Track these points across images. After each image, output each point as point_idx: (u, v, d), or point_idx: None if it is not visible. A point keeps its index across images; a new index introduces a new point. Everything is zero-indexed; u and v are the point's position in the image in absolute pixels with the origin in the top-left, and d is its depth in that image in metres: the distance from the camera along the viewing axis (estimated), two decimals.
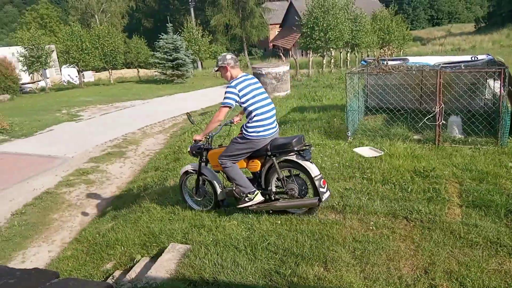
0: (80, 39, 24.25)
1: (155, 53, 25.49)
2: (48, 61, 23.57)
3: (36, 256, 5.31)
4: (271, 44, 49.47)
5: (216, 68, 4.26)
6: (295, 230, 4.14)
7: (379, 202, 4.51)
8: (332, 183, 5.29)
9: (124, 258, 4.53)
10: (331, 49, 21.31)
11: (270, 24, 48.14)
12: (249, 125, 4.07)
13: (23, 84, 23.66)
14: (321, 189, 4.01)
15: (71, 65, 25.32)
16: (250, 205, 4.28)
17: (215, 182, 4.65)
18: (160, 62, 24.48)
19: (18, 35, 24.02)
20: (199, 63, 36.79)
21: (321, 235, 3.93)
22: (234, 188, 4.42)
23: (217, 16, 42.63)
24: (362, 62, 8.81)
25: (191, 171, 4.90)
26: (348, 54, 25.00)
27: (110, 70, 27.00)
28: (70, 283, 3.05)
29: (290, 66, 14.45)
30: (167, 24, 25.98)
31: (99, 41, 25.23)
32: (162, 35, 25.12)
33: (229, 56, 4.15)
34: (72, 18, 45.03)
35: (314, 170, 4.04)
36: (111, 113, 14.80)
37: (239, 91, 3.99)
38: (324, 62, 21.79)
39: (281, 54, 22.62)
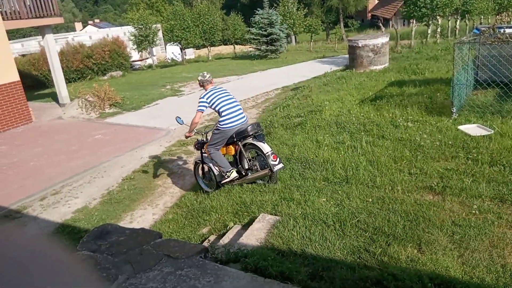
0: (183, 17, 25.58)
1: (250, 29, 25.85)
2: (155, 39, 25.39)
3: (142, 217, 5.90)
4: (369, 15, 46.75)
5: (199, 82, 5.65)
6: (387, 209, 3.98)
7: (485, 185, 4.10)
8: (431, 162, 4.92)
9: (218, 224, 4.82)
10: (438, 17, 19.36)
11: None
12: (220, 120, 5.37)
13: (133, 61, 25.91)
14: (272, 162, 5.08)
15: (175, 43, 26.93)
16: (229, 181, 5.49)
17: (212, 167, 5.69)
18: (255, 37, 24.78)
19: (129, 15, 26.19)
20: (293, 37, 36.40)
21: (416, 216, 3.71)
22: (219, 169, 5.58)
23: None
24: (475, 30, 7.88)
25: (198, 161, 6.09)
26: (457, 22, 22.48)
27: (208, 47, 28.19)
28: (171, 243, 3.36)
29: (389, 37, 13.54)
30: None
31: (200, 19, 26.35)
32: (258, 11, 25.30)
33: (206, 75, 5.58)
34: None
35: (265, 148, 5.17)
36: None
37: (207, 99, 5.43)
38: (429, 31, 19.94)
39: (380, 24, 21.22)
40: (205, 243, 4.28)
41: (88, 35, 29.61)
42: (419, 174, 4.81)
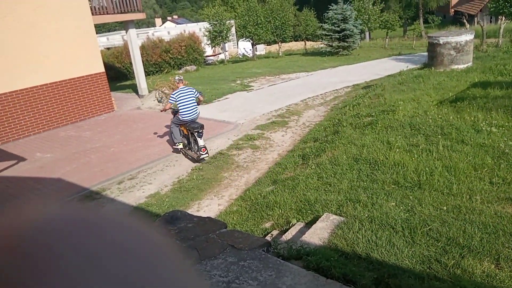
0: (256, 14, 25.91)
1: (323, 24, 25.44)
2: (228, 35, 26.04)
3: (208, 207, 6.12)
4: (452, 10, 43.63)
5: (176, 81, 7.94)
6: (463, 219, 3.72)
7: None
8: None
9: (281, 220, 4.84)
10: None
11: None
12: (179, 111, 7.61)
13: (206, 56, 26.82)
14: (199, 153, 7.50)
15: (247, 39, 27.39)
16: (176, 148, 7.99)
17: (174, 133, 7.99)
18: (327, 33, 24.33)
19: (205, 12, 27.13)
20: (367, 33, 35.17)
21: (495, 229, 3.42)
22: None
23: None
24: None
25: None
26: None
27: (279, 43, 28.27)
28: (236, 234, 3.44)
29: (474, 35, 12.52)
30: None
31: (272, 15, 26.50)
32: (332, 6, 24.79)
33: (177, 78, 7.93)
34: None
35: (200, 143, 7.45)
36: (277, 84, 15.60)
37: (175, 96, 7.58)
38: None
39: (464, 21, 19.71)
40: (268, 237, 4.32)
41: (167, 30, 31.19)
42: (502, 184, 4.41)
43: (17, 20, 10.03)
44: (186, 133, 7.89)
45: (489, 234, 3.40)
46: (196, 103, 7.74)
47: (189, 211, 5.70)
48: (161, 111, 8.31)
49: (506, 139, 5.53)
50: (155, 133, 9.74)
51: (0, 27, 9.75)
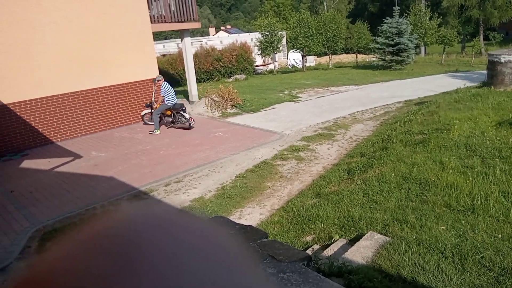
0: (308, 25, 25.94)
1: (376, 38, 24.95)
2: (279, 46, 26.25)
3: (250, 215, 6.14)
4: None
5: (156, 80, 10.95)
6: None
7: None
8: None
9: (322, 234, 4.76)
10: None
11: None
12: (166, 100, 10.62)
13: (256, 66, 27.18)
14: (189, 122, 10.75)
15: (297, 50, 27.45)
16: (154, 133, 10.62)
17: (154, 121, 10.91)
18: (380, 47, 23.80)
19: (257, 22, 27.55)
20: (423, 48, 34.04)
21: None
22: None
23: None
24: None
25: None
26: None
27: (330, 55, 28.06)
28: (276, 245, 3.44)
29: None
30: (393, 8, 24.92)
31: (324, 27, 26.41)
32: (387, 19, 24.27)
33: (159, 78, 10.97)
34: (303, 5, 48.53)
35: (187, 116, 10.79)
36: (325, 96, 15.46)
37: (166, 88, 10.63)
38: None
39: None
40: (309, 251, 4.26)
41: (220, 39, 32.00)
42: None
43: (82, 25, 10.74)
44: (170, 113, 10.93)
45: None
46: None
47: (231, 218, 5.76)
48: (158, 104, 10.89)
49: None
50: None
51: (66, 31, 10.49)
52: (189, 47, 14.77)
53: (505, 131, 6.93)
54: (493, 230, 3.92)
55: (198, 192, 6.97)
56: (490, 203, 4.48)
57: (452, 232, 3.91)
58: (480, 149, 6.20)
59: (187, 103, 15.45)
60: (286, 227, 5.40)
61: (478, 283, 3.07)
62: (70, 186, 7.45)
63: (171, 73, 22.79)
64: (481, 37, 37.78)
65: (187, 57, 14.71)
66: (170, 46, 29.65)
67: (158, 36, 47.66)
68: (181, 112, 10.76)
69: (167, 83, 10.74)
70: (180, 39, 16.04)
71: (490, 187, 4.88)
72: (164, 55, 26.53)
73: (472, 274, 3.19)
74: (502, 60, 11.18)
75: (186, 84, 15.87)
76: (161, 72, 14.85)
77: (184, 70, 16.58)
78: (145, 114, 11.67)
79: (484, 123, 7.63)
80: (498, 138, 6.60)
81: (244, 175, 7.61)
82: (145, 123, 11.61)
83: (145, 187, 7.19)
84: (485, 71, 13.01)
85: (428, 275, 3.18)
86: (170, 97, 10.65)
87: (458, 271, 3.23)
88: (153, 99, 11.36)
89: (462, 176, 5.33)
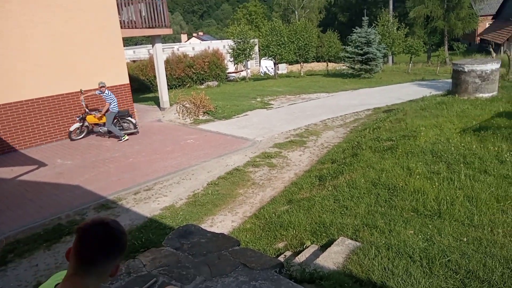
0: (280, 33, 26.24)
1: (346, 47, 25.53)
2: (251, 53, 26.38)
3: (221, 223, 6.07)
4: (478, 38, 43.22)
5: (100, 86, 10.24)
6: (484, 252, 3.59)
7: None
8: None
9: (294, 241, 4.76)
10: None
11: (481, 16, 41.94)
12: (111, 108, 10.28)
13: (228, 73, 27.19)
14: (137, 128, 11.11)
15: (269, 58, 27.68)
16: (123, 140, 10.47)
17: (113, 131, 10.81)
18: (350, 56, 24.38)
19: (230, 30, 27.61)
20: (390, 57, 35.08)
21: None
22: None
23: (417, 8, 39.59)
24: None
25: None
26: None
27: (301, 63, 28.45)
28: (248, 252, 3.40)
29: (500, 64, 12.32)
30: (362, 18, 25.62)
31: (295, 36, 26.78)
32: (356, 29, 24.91)
33: (103, 83, 10.18)
34: (275, 14, 49.09)
35: (133, 121, 11.11)
36: (297, 103, 15.62)
37: (112, 95, 10.31)
38: None
39: (491, 49, 19.44)
40: (281, 258, 4.25)
41: (192, 46, 31.83)
42: None
43: (49, 30, 10.41)
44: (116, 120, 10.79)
45: (511, 270, 3.26)
46: None
47: (203, 226, 5.67)
48: (104, 113, 10.47)
49: None
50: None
51: (33, 36, 10.13)
52: (160, 53, 14.60)
53: (469, 138, 7.19)
54: (459, 234, 4.03)
55: (168, 200, 6.83)
56: (456, 208, 4.61)
57: (420, 236, 3.99)
58: (445, 155, 6.40)
59: (158, 109, 15.23)
60: (258, 234, 5.36)
61: (445, 286, 3.14)
62: (33, 195, 7.14)
63: (142, 79, 22.44)
64: (446, 47, 39.34)
65: (158, 63, 14.53)
66: (141, 52, 29.22)
67: (129, 42, 46.95)
68: (129, 118, 10.97)
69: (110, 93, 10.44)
70: (151, 45, 15.83)
71: (455, 192, 5.03)
72: (134, 61, 26.13)
73: (439, 277, 3.26)
74: (466, 70, 11.65)
75: (157, 90, 15.65)
76: (132, 78, 14.59)
77: (155, 76, 16.36)
78: (75, 128, 10.80)
79: (449, 130, 7.89)
80: (462, 144, 6.84)
81: (216, 183, 7.54)
82: (72, 139, 10.75)
83: (113, 196, 6.99)
84: (450, 80, 13.52)
85: (397, 279, 3.23)
86: (115, 103, 10.41)
87: (426, 275, 3.29)
88: (87, 110, 10.66)
89: (429, 181, 5.48)
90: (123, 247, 1.40)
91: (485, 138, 7.04)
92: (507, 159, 5.93)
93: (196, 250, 3.35)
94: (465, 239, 3.88)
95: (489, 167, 5.74)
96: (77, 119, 10.82)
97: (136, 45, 41.25)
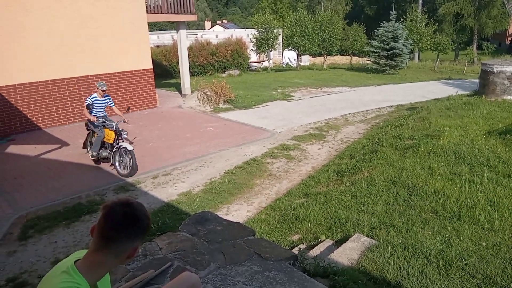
0: (304, 25, 25.93)
1: (371, 41, 25.05)
2: (274, 43, 26.18)
3: (237, 212, 6.10)
4: (508, 39, 41.80)
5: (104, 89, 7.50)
6: (503, 257, 3.51)
7: None
8: None
9: (309, 234, 4.75)
10: None
11: None
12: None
13: (251, 62, 27.09)
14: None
15: (292, 49, 27.44)
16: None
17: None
18: (375, 50, 23.91)
19: (254, 18, 27.42)
20: (417, 54, 34.29)
21: None
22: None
23: (447, 4, 38.50)
24: None
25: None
26: None
27: (324, 56, 28.09)
28: (263, 243, 3.40)
29: None
30: (390, 12, 25.04)
31: (320, 28, 26.41)
32: (383, 23, 24.37)
33: (104, 85, 7.48)
34: (301, 4, 48.47)
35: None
36: (318, 96, 15.48)
37: (91, 99, 7.43)
38: None
39: None
40: (295, 250, 4.25)
41: (215, 34, 31.81)
42: None
43: (76, 11, 10.55)
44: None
45: None
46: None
47: (218, 214, 5.72)
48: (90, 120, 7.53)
49: None
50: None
51: (59, 16, 10.29)
52: (184, 39, 14.64)
53: (494, 141, 7.00)
54: (478, 237, 3.95)
55: (186, 186, 6.90)
56: (476, 211, 4.51)
57: (438, 238, 3.93)
58: (468, 157, 6.25)
59: (179, 95, 15.33)
60: (273, 225, 5.37)
61: None
62: (56, 174, 7.32)
63: (165, 65, 22.58)
64: (475, 46, 38.21)
65: (182, 49, 14.58)
66: (165, 38, 29.38)
67: (153, 27, 47.24)
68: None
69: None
70: (175, 31, 15.88)
71: (477, 195, 4.92)
72: (158, 46, 26.29)
73: (455, 280, 3.21)
74: (495, 70, 11.31)
75: (179, 76, 15.73)
76: (154, 63, 14.69)
77: (177, 62, 16.45)
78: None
79: (473, 131, 7.69)
80: (487, 147, 6.66)
81: (233, 172, 7.57)
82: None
83: (132, 179, 7.11)
84: (477, 80, 13.16)
85: (412, 279, 3.19)
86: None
87: (442, 277, 3.24)
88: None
89: (450, 183, 5.37)
90: (144, 230, 1.43)
91: (510, 141, 6.84)
92: None
93: (211, 237, 3.38)
94: (484, 244, 3.79)
95: None
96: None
97: (160, 30, 41.50)
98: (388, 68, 23.37)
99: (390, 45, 23.26)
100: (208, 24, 57.56)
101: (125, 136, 7.44)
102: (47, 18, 10.10)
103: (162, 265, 2.98)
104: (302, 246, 4.44)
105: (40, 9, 9.96)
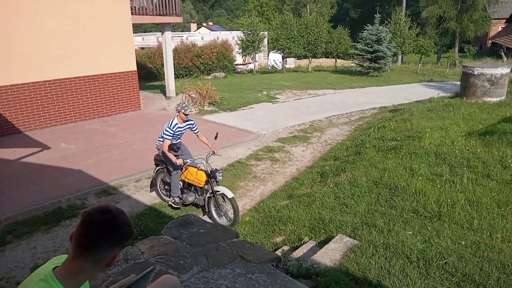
0: (290, 27, 26.06)
1: (356, 44, 25.31)
2: (260, 46, 26.24)
3: None
4: (489, 42, 42.77)
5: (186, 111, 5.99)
6: (481, 256, 3.58)
7: None
8: None
9: (292, 236, 4.77)
10: None
11: (494, 19, 41.39)
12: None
13: (236, 65, 27.08)
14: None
15: (278, 51, 27.53)
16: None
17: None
18: (360, 53, 24.16)
19: (240, 21, 27.43)
20: (400, 56, 34.77)
21: None
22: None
23: (430, 8, 39.11)
24: None
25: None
26: None
27: (310, 58, 28.27)
28: (246, 245, 3.41)
29: (511, 69, 12.20)
30: (374, 15, 25.34)
31: (306, 30, 26.57)
32: (367, 26, 24.65)
33: (185, 105, 6.00)
34: (287, 7, 48.67)
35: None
36: (303, 99, 15.56)
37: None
38: None
39: (502, 53, 19.22)
40: (278, 252, 4.26)
41: (201, 36, 31.71)
42: None
43: (61, 12, 10.40)
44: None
45: (507, 275, 3.26)
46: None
47: (202, 217, 5.69)
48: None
49: None
50: None
51: (46, 17, 10.12)
52: (169, 41, 14.56)
53: (474, 142, 7.14)
54: (458, 237, 4.02)
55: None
56: (456, 211, 4.60)
57: (419, 237, 3.99)
58: (449, 157, 6.37)
59: (164, 98, 15.23)
60: (256, 227, 5.38)
61: None
62: (35, 178, 7.19)
63: (149, 67, 22.40)
64: (457, 49, 38.88)
65: (167, 51, 14.50)
66: (150, 39, 29.16)
67: (138, 29, 46.82)
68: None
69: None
70: (160, 33, 15.78)
71: (456, 195, 5.01)
72: (143, 48, 26.07)
73: (435, 279, 3.26)
74: (476, 73, 11.54)
75: (164, 79, 15.63)
76: (139, 65, 14.56)
77: (162, 64, 16.33)
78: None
79: (454, 133, 7.84)
80: (467, 148, 6.80)
81: None
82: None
83: (115, 182, 7.02)
84: (459, 82, 13.41)
85: (393, 279, 3.23)
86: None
87: (422, 276, 3.29)
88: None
89: (431, 183, 5.46)
90: (124, 237, 1.40)
91: (490, 142, 6.99)
92: (511, 165, 5.89)
93: (194, 240, 3.36)
94: (463, 243, 3.87)
95: (492, 172, 5.71)
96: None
97: (145, 32, 41.17)
98: (372, 70, 23.64)
99: (374, 48, 23.54)
100: (193, 26, 57.37)
101: (220, 177, 5.61)
102: (31, 20, 9.93)
103: (144, 270, 2.95)
104: (286, 248, 4.46)
105: (25, 10, 9.78)
